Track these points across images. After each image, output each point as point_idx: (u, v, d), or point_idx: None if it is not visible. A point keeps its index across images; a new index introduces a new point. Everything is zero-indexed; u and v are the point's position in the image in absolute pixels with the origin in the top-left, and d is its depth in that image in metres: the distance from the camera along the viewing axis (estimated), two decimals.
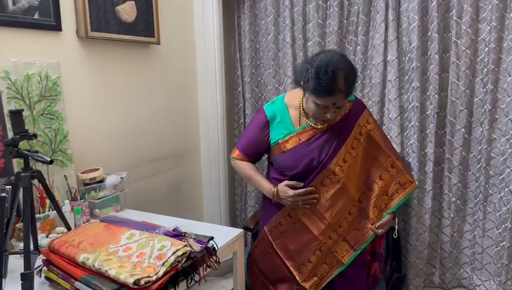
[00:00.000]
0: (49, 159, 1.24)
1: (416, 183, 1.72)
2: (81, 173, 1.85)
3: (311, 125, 1.63)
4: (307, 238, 1.65)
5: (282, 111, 1.67)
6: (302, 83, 1.54)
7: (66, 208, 1.65)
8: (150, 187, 2.35)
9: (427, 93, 2.31)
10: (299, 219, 1.66)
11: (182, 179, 2.64)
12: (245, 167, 1.76)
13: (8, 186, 1.22)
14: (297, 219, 1.66)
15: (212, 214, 2.81)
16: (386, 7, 2.30)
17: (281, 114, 1.67)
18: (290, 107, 1.67)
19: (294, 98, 1.68)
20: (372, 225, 1.64)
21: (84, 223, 1.70)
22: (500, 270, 2.28)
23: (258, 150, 1.75)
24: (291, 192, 1.60)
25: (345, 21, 2.46)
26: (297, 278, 1.66)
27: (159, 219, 1.72)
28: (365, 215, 1.66)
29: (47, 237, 1.54)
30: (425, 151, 2.37)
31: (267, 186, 1.67)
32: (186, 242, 1.29)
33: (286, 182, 1.62)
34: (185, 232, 1.37)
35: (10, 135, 1.59)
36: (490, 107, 2.21)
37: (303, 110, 1.64)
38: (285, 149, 1.64)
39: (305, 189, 1.60)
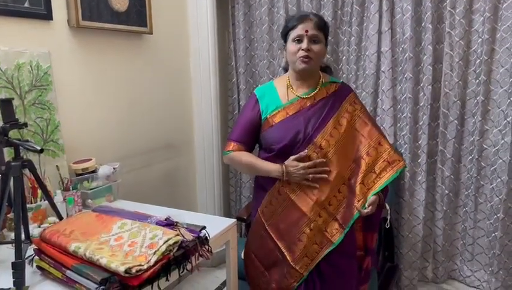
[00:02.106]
0: (39, 148, 1.24)
1: (404, 162, 1.71)
2: (73, 163, 1.84)
3: (299, 98, 1.69)
4: (297, 215, 1.65)
5: (271, 90, 1.76)
6: (282, 37, 1.72)
7: (58, 198, 1.64)
8: (144, 178, 2.34)
9: (421, 85, 2.32)
10: (288, 196, 1.66)
11: (176, 170, 2.64)
12: (243, 156, 1.74)
13: None
14: (286, 196, 1.67)
15: (206, 206, 2.81)
16: None
17: (269, 92, 1.75)
18: (278, 86, 1.76)
19: (282, 79, 1.79)
20: (358, 201, 1.64)
21: (76, 213, 1.69)
22: (492, 260, 2.30)
23: (253, 132, 1.75)
24: (301, 164, 1.60)
25: (339, 11, 2.46)
26: (288, 258, 1.65)
27: (151, 209, 1.71)
28: (353, 192, 1.65)
29: (39, 227, 1.54)
30: (419, 143, 2.38)
31: (273, 167, 1.66)
32: (178, 231, 1.29)
33: (292, 157, 1.62)
34: (177, 222, 1.37)
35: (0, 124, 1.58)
36: (483, 98, 2.21)
37: (290, 83, 1.73)
38: (273, 123, 1.68)
39: (313, 161, 1.60)
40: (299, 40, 1.62)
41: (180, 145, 2.65)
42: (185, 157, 2.70)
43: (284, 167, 1.64)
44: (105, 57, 2.05)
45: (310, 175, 1.61)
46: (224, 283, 2.62)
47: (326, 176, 1.62)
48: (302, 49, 1.61)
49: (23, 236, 1.34)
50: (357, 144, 1.68)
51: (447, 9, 2.21)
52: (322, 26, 1.64)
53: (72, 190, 1.74)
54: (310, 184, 1.63)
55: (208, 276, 2.71)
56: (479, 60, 2.21)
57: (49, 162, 1.75)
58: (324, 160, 1.62)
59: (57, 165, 1.76)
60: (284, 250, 1.68)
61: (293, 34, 1.63)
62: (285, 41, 1.70)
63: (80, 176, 1.83)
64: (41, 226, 1.55)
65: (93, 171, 1.87)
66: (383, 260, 2.41)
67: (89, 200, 1.82)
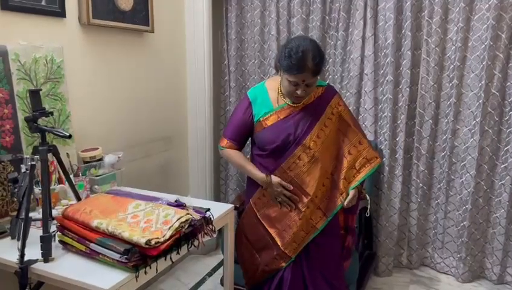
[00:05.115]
0: (68, 134, 1.37)
1: (380, 159, 1.93)
2: (82, 151, 1.97)
3: (288, 104, 1.84)
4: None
5: (263, 93, 1.90)
6: (278, 63, 1.78)
7: None
8: (141, 168, 2.48)
9: (400, 87, 2.54)
10: None
11: (170, 162, 2.78)
12: (235, 156, 1.93)
13: (36, 156, 1.34)
14: None
15: (198, 197, 2.95)
16: (365, 5, 2.50)
17: (261, 96, 1.89)
18: (270, 90, 1.90)
19: (273, 83, 1.91)
20: (341, 195, 1.84)
21: (85, 197, 1.82)
22: (461, 247, 2.54)
23: (244, 132, 1.93)
24: (280, 189, 1.82)
25: (327, 17, 2.65)
26: (279, 243, 1.85)
27: (156, 195, 1.85)
28: (336, 186, 1.86)
29: (53, 208, 1.66)
30: (397, 140, 2.60)
31: (260, 175, 1.86)
32: (187, 211, 1.45)
33: (279, 179, 1.82)
34: (185, 204, 1.53)
35: (19, 113, 1.71)
36: (455, 101, 2.45)
37: (281, 91, 1.85)
38: (266, 126, 1.85)
39: (290, 194, 1.83)
40: (296, 84, 1.71)
41: (174, 139, 2.79)
42: (178, 150, 2.85)
43: (268, 178, 1.83)
44: (110, 53, 2.18)
45: (280, 200, 1.84)
46: (214, 269, 2.78)
47: (293, 206, 1.84)
48: (298, 93, 1.73)
49: None
50: (340, 143, 1.88)
51: (425, 19, 2.44)
52: (319, 71, 1.71)
53: (82, 176, 1.87)
54: (276, 203, 1.86)
55: (198, 263, 2.87)
56: (452, 66, 2.44)
57: (59, 150, 1.85)
58: (297, 198, 1.83)
59: (67, 153, 1.88)
60: (274, 236, 1.87)
61: (291, 77, 1.70)
62: (279, 66, 1.77)
63: (88, 164, 1.96)
64: (56, 208, 1.67)
65: (100, 160, 2.00)
66: (362, 247, 2.62)
67: (96, 186, 1.95)
